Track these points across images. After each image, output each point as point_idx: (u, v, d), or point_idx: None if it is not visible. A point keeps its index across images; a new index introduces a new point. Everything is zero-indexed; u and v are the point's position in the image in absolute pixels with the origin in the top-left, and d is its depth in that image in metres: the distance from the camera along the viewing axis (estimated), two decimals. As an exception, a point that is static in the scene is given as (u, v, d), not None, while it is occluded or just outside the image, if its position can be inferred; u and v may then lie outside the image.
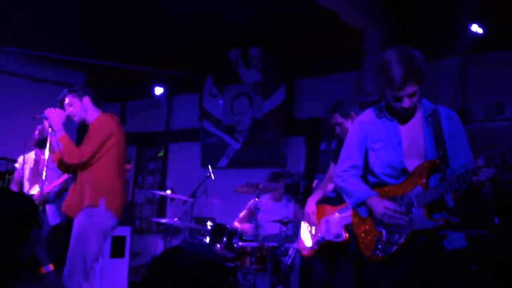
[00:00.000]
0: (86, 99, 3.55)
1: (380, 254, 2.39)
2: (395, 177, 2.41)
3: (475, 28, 4.49)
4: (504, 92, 4.67)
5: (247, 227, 4.88)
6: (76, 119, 3.55)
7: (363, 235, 2.49)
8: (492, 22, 4.52)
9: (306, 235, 3.59)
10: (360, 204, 2.47)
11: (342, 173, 2.59)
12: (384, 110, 2.48)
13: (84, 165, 3.41)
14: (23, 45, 6.36)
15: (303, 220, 3.67)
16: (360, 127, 2.55)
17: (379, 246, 2.39)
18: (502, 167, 2.10)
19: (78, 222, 3.36)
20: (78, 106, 3.53)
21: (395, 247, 2.35)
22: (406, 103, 2.31)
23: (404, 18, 5.18)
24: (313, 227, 3.54)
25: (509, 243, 3.66)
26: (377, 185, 2.46)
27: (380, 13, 5.21)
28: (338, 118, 3.46)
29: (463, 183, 2.18)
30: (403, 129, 2.43)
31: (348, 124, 3.45)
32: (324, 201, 3.64)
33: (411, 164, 2.36)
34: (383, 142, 2.45)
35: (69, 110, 3.53)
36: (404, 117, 2.43)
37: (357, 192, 2.49)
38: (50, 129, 3.42)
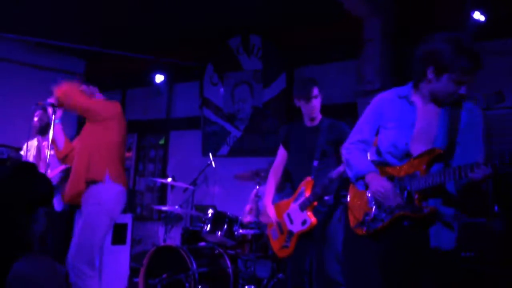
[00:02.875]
0: (84, 88, 3.57)
1: (364, 228, 2.46)
2: (398, 158, 2.43)
3: (477, 15, 4.47)
4: (505, 80, 4.66)
5: (251, 219, 4.89)
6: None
7: (355, 208, 2.56)
8: (494, 10, 4.50)
9: (275, 238, 3.62)
10: (359, 178, 2.51)
11: (349, 145, 2.62)
12: (408, 91, 2.47)
13: (83, 147, 3.38)
14: (23, 32, 6.34)
15: (267, 225, 3.72)
16: (379, 104, 2.56)
17: (366, 220, 2.45)
18: (500, 168, 2.08)
19: (87, 210, 3.36)
20: None
21: (379, 224, 2.41)
22: (462, 89, 2.31)
23: (405, 6, 5.16)
24: (279, 228, 3.56)
25: (509, 231, 3.68)
26: (381, 164, 2.48)
27: (382, 1, 5.18)
28: (317, 91, 3.52)
29: (458, 177, 2.17)
30: (420, 113, 2.42)
31: (320, 100, 3.53)
32: (276, 200, 3.72)
33: (418, 149, 2.36)
34: (396, 122, 2.45)
35: None
36: (429, 98, 2.40)
37: (358, 166, 2.51)
38: (53, 116, 3.42)
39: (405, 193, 2.32)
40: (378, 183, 2.39)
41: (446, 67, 2.28)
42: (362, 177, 2.48)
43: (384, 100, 2.55)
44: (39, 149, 4.94)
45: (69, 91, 3.38)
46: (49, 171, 4.94)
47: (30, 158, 4.96)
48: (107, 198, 3.37)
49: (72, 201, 3.50)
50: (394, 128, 2.45)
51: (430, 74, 2.34)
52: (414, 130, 2.40)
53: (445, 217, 2.33)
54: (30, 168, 2.62)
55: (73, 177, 3.45)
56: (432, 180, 2.25)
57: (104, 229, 3.40)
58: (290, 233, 3.48)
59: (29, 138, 4.81)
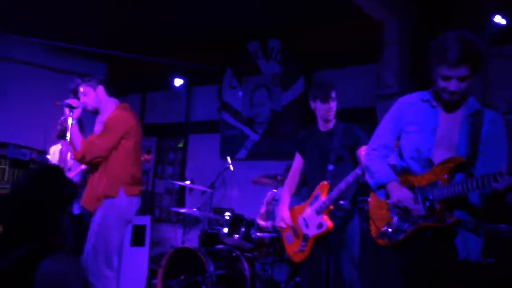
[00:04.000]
0: (100, 89, 3.60)
1: (387, 239, 2.41)
2: (420, 164, 2.39)
3: (498, 19, 4.41)
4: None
5: (269, 224, 4.90)
6: (89, 108, 3.60)
7: (376, 217, 2.51)
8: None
9: (291, 242, 3.61)
10: (380, 187, 2.48)
11: (371, 151, 2.59)
12: (430, 96, 2.44)
13: (103, 160, 3.46)
14: (45, 36, 6.47)
15: (281, 229, 3.69)
16: (400, 108, 2.53)
17: (388, 232, 2.41)
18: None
19: (100, 213, 3.42)
20: (92, 96, 3.58)
21: (402, 235, 2.37)
22: (453, 85, 2.24)
23: (425, 9, 5.12)
24: (294, 232, 3.55)
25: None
26: (403, 170, 2.45)
27: (401, 4, 5.15)
28: (334, 94, 3.52)
29: (481, 186, 2.13)
30: (442, 119, 2.39)
31: (336, 103, 3.51)
32: (294, 203, 3.71)
33: (440, 155, 2.33)
34: (418, 126, 2.42)
35: (83, 99, 3.57)
36: (448, 106, 2.37)
37: (380, 175, 2.49)
38: (70, 118, 3.46)
39: (427, 203, 2.29)
40: (399, 193, 2.35)
41: (432, 67, 2.28)
42: (383, 186, 2.45)
43: (405, 104, 2.52)
44: (61, 151, 5.02)
45: (86, 149, 3.42)
46: (69, 175, 5.03)
47: (55, 162, 5.04)
48: (121, 205, 3.44)
49: (88, 207, 3.57)
50: (416, 132, 2.42)
51: (430, 71, 2.33)
52: (436, 136, 2.36)
53: (469, 224, 2.29)
54: (56, 170, 2.69)
55: (90, 192, 3.52)
56: (454, 189, 2.21)
57: (120, 230, 3.45)
58: (306, 237, 3.47)
59: (47, 140, 4.89)
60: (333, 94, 3.52)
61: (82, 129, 5.11)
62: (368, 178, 2.57)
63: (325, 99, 3.51)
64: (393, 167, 2.51)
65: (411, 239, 2.34)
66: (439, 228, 2.28)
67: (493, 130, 2.33)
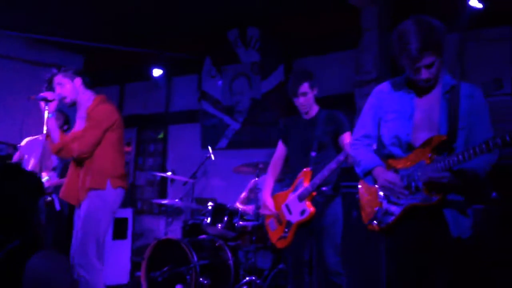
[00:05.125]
0: (78, 80, 3.50)
1: (377, 224, 2.44)
2: (402, 149, 2.42)
3: (474, 2, 4.45)
4: (502, 68, 4.65)
5: (249, 208, 4.92)
6: (66, 101, 3.50)
7: (366, 204, 2.55)
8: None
9: (274, 229, 3.63)
10: (367, 174, 2.51)
11: (355, 141, 2.63)
12: (403, 82, 2.46)
13: (86, 156, 3.41)
14: (21, 29, 6.33)
15: (265, 216, 3.72)
16: (376, 97, 2.56)
17: (378, 216, 2.43)
18: (502, 147, 2.07)
19: (87, 206, 3.37)
20: (70, 87, 3.48)
21: (391, 218, 2.40)
22: (424, 74, 2.27)
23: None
24: (277, 219, 3.57)
25: (508, 217, 3.69)
26: (386, 157, 2.48)
27: (379, -11, 5.15)
28: (306, 87, 3.48)
29: (462, 161, 2.16)
30: (419, 102, 2.41)
31: (312, 95, 3.50)
32: (277, 190, 3.72)
33: (422, 137, 2.35)
34: (395, 113, 2.44)
35: (59, 90, 3.46)
36: (423, 89, 2.39)
37: (365, 162, 2.52)
38: (46, 111, 3.39)
39: (413, 183, 2.31)
40: (385, 176, 2.38)
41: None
42: (369, 172, 2.48)
43: (381, 92, 2.54)
44: (44, 147, 4.93)
45: (61, 147, 3.36)
46: (55, 175, 4.95)
47: (32, 157, 4.95)
48: (108, 195, 3.41)
49: (70, 201, 3.52)
50: (394, 120, 2.44)
51: (398, 62, 2.34)
52: (415, 120, 2.38)
53: (458, 204, 2.31)
54: (13, 166, 2.64)
55: (73, 185, 3.46)
56: (438, 167, 2.24)
57: (108, 222, 3.43)
58: (289, 223, 3.49)
59: (22, 132, 4.78)
60: (303, 88, 3.46)
61: (67, 123, 5.01)
62: (355, 167, 2.60)
63: (293, 94, 3.51)
64: (377, 153, 2.54)
65: (401, 221, 2.37)
66: (427, 208, 2.30)
67: (472, 104, 2.34)
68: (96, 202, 3.36)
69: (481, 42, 4.75)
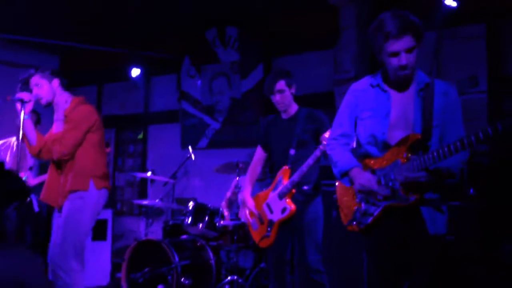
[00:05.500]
0: (55, 82, 3.46)
1: (356, 225, 2.46)
2: (378, 148, 2.42)
3: (449, 1, 4.51)
4: (478, 65, 4.73)
5: (227, 214, 4.87)
6: (43, 102, 3.46)
7: (344, 205, 2.55)
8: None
9: (256, 229, 3.63)
10: (343, 175, 2.50)
11: (331, 141, 2.62)
12: (379, 79, 2.46)
13: (67, 158, 3.37)
14: (-6, 29, 6.21)
15: (244, 218, 3.73)
16: (353, 95, 2.54)
17: (357, 216, 2.44)
18: (476, 144, 2.08)
19: (69, 206, 3.33)
20: (46, 88, 3.44)
21: (370, 219, 2.40)
22: (403, 59, 2.26)
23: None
24: (259, 219, 3.58)
25: (485, 213, 3.75)
26: (363, 156, 2.48)
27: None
28: (282, 85, 3.50)
29: (437, 160, 2.17)
30: (394, 100, 2.41)
31: (289, 93, 3.50)
32: (258, 191, 3.74)
33: (397, 136, 2.36)
34: (371, 111, 2.44)
35: (36, 91, 3.42)
36: (398, 84, 2.39)
37: (342, 163, 2.51)
38: (22, 112, 3.34)
39: (390, 183, 2.32)
40: (362, 177, 2.38)
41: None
42: (346, 173, 2.47)
43: (357, 91, 2.53)
44: (19, 147, 4.85)
45: (41, 149, 3.33)
46: (32, 174, 4.88)
47: (8, 157, 4.87)
48: (89, 196, 3.38)
49: (51, 203, 3.48)
50: (370, 118, 2.44)
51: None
52: (390, 118, 2.38)
53: (435, 201, 2.33)
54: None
55: (53, 187, 3.42)
56: (413, 166, 2.25)
57: (88, 223, 3.39)
58: (271, 222, 3.49)
59: (4, 136, 4.72)
60: (278, 86, 3.48)
61: (39, 122, 4.94)
62: (332, 167, 2.59)
63: (269, 92, 3.53)
64: (354, 153, 2.54)
65: (379, 221, 2.38)
66: (404, 207, 2.32)
67: (446, 102, 2.35)
68: (78, 203, 3.33)
69: (457, 40, 4.82)
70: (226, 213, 4.82)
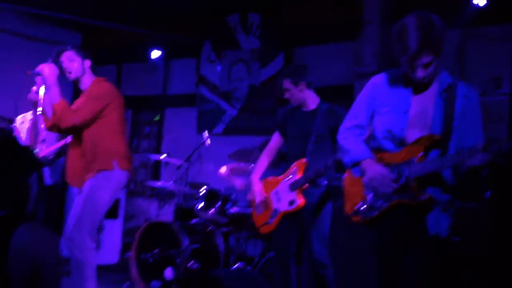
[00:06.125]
0: (88, 62, 3.53)
1: (361, 216, 2.44)
2: (394, 143, 2.39)
3: (477, 0, 4.43)
4: (502, 66, 4.65)
5: (238, 182, 4.85)
6: (71, 76, 3.48)
7: (351, 195, 2.53)
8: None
9: (259, 213, 3.63)
10: (355, 164, 2.47)
11: (345, 130, 2.58)
12: (400, 75, 2.42)
13: (78, 129, 3.38)
14: (19, 2, 6.24)
15: (251, 199, 3.70)
16: (373, 88, 2.51)
17: (362, 209, 2.43)
18: (498, 155, 2.05)
19: (92, 184, 3.36)
20: (79, 65, 3.48)
21: (376, 212, 2.39)
22: (420, 73, 2.24)
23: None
24: (264, 204, 3.56)
25: (499, 216, 3.71)
26: (376, 150, 2.45)
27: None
28: (287, 84, 3.50)
29: (456, 163, 2.15)
30: (415, 98, 2.37)
31: (296, 91, 3.49)
32: (268, 174, 3.71)
33: (414, 134, 2.33)
34: (390, 107, 2.40)
35: (67, 64, 3.44)
36: (419, 86, 2.36)
37: (354, 152, 2.47)
38: (42, 86, 3.37)
39: (402, 179, 2.29)
40: (375, 169, 2.35)
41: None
42: (358, 163, 2.43)
43: (377, 84, 2.49)
44: (35, 122, 4.90)
45: (61, 115, 3.31)
46: (44, 147, 4.92)
47: (24, 131, 4.92)
48: (114, 177, 3.41)
49: (75, 185, 3.52)
50: (388, 113, 2.40)
51: (397, 58, 2.31)
52: (409, 115, 2.35)
53: (443, 203, 2.31)
54: (9, 139, 2.61)
55: (76, 169, 3.45)
56: (429, 166, 2.23)
57: (107, 203, 3.43)
58: (276, 211, 3.49)
59: (17, 108, 4.76)
60: (285, 85, 3.50)
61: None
62: (342, 156, 2.56)
63: (280, 92, 3.55)
64: (367, 144, 2.51)
65: (385, 215, 2.36)
66: (413, 205, 2.30)
67: (466, 104, 2.31)
68: (101, 182, 3.36)
69: (482, 40, 4.73)
70: (226, 174, 4.80)
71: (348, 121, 2.59)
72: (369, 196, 2.41)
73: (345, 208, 2.54)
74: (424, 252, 2.31)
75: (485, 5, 4.43)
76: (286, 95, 3.53)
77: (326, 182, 3.43)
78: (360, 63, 5.12)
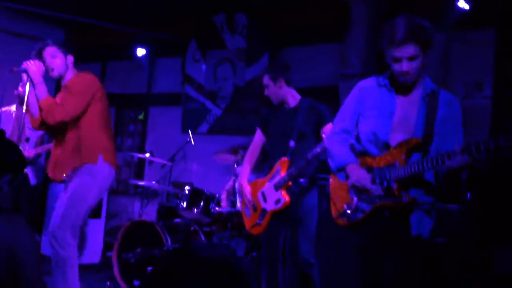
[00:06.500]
0: (70, 58, 3.47)
1: (346, 219, 2.49)
2: (377, 147, 2.43)
3: (462, 4, 4.48)
4: (484, 70, 4.71)
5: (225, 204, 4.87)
6: (54, 73, 3.43)
7: (336, 198, 2.58)
8: None
9: (249, 215, 3.64)
10: (340, 169, 2.52)
11: (332, 135, 2.64)
12: (386, 79, 2.47)
13: (67, 124, 3.34)
14: (1, -2, 6.16)
15: (241, 202, 3.73)
16: (359, 92, 2.56)
17: (347, 212, 2.48)
18: (476, 156, 2.08)
19: (77, 181, 3.31)
20: (61, 61, 3.43)
21: (360, 215, 2.44)
22: (405, 65, 2.28)
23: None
24: (252, 206, 3.59)
25: (481, 218, 3.76)
26: (361, 154, 2.50)
27: (369, -15, 5.15)
28: (266, 80, 3.55)
29: (435, 165, 2.19)
30: (399, 102, 2.42)
31: (275, 88, 3.52)
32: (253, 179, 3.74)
33: (397, 138, 2.37)
34: (375, 110, 2.45)
35: (50, 61, 3.39)
36: (403, 87, 2.41)
37: (339, 157, 2.53)
38: (28, 83, 3.32)
39: (385, 183, 2.34)
40: (358, 174, 2.40)
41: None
42: (343, 168, 2.50)
43: (363, 88, 2.55)
44: (18, 117, 4.83)
45: (48, 110, 3.26)
46: (27, 146, 4.86)
47: (9, 126, 4.85)
48: (99, 172, 3.36)
49: (57, 178, 3.46)
50: (373, 117, 2.45)
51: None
52: (393, 119, 2.40)
53: (425, 205, 2.36)
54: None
55: (58, 161, 3.40)
56: (411, 169, 2.26)
57: (92, 201, 3.38)
58: (264, 211, 3.50)
59: (2, 105, 4.68)
60: (264, 81, 3.55)
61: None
62: (329, 161, 2.61)
63: (261, 88, 3.57)
64: (352, 148, 2.55)
65: (369, 218, 2.40)
66: (396, 208, 2.34)
67: (448, 112, 2.37)
68: (86, 179, 3.32)
69: (466, 44, 4.79)
70: (224, 203, 4.82)
71: (336, 125, 2.65)
72: (354, 200, 2.45)
73: (332, 211, 2.59)
74: (407, 252, 2.35)
75: (469, 10, 4.48)
76: (266, 92, 3.56)
77: (305, 180, 3.44)
78: (345, 65, 5.15)
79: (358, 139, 2.53)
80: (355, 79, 4.94)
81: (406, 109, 2.40)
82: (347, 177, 2.48)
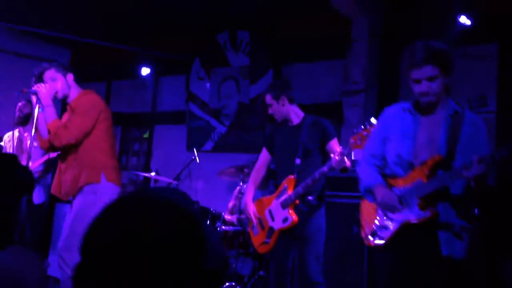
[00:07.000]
0: (70, 76, 3.50)
1: (374, 240, 2.56)
2: (403, 168, 2.51)
3: (464, 19, 4.50)
4: (488, 85, 4.71)
5: (233, 218, 4.87)
6: (59, 95, 3.47)
7: (366, 221, 2.66)
8: (480, 13, 4.53)
9: (256, 234, 3.63)
10: (368, 191, 2.62)
11: (362, 160, 2.75)
12: (410, 104, 2.57)
13: (72, 147, 3.37)
14: (8, 19, 6.23)
15: (248, 221, 3.72)
16: (386, 118, 2.69)
17: (376, 232, 2.55)
18: (492, 165, 2.16)
19: (82, 201, 3.33)
20: (62, 82, 3.47)
21: (388, 234, 2.50)
22: (424, 86, 2.37)
23: (393, 7, 5.17)
24: (260, 224, 3.57)
25: (489, 233, 3.73)
26: (389, 176, 2.58)
27: (370, 1, 5.19)
28: (269, 99, 3.55)
29: (454, 177, 2.26)
30: (423, 124, 2.51)
31: (278, 106, 3.52)
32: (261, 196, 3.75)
33: (422, 158, 2.45)
34: (399, 133, 2.55)
35: (51, 85, 3.42)
36: (426, 109, 2.48)
37: (366, 179, 2.64)
38: (37, 106, 3.36)
39: (409, 200, 2.42)
40: (384, 194, 2.50)
41: (406, 73, 2.44)
42: (370, 190, 2.59)
43: (390, 115, 2.66)
44: (20, 140, 4.86)
45: (56, 135, 3.30)
46: (30, 163, 4.88)
47: (10, 149, 4.88)
48: (103, 192, 3.37)
49: (62, 197, 3.49)
50: (397, 140, 2.55)
51: (409, 85, 2.47)
52: (417, 141, 2.48)
53: (455, 227, 2.40)
54: (10, 158, 2.57)
55: (62, 180, 3.42)
56: (433, 185, 2.34)
57: None
58: (271, 229, 3.48)
59: (14, 126, 4.73)
60: (266, 101, 3.55)
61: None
62: (359, 184, 2.72)
63: (263, 107, 3.57)
64: (381, 172, 2.64)
65: (396, 237, 2.47)
66: (423, 224, 2.39)
67: (473, 132, 2.44)
68: (90, 198, 3.32)
69: (468, 59, 4.80)
70: (228, 217, 4.81)
71: (366, 151, 2.76)
72: (382, 219, 2.54)
73: (362, 232, 2.67)
74: (437, 272, 2.37)
75: (471, 25, 4.50)
76: (270, 111, 3.57)
77: (313, 198, 3.42)
78: (348, 81, 5.16)
79: (386, 162, 2.62)
80: (358, 95, 4.96)
81: (430, 130, 2.49)
82: (374, 198, 2.57)
